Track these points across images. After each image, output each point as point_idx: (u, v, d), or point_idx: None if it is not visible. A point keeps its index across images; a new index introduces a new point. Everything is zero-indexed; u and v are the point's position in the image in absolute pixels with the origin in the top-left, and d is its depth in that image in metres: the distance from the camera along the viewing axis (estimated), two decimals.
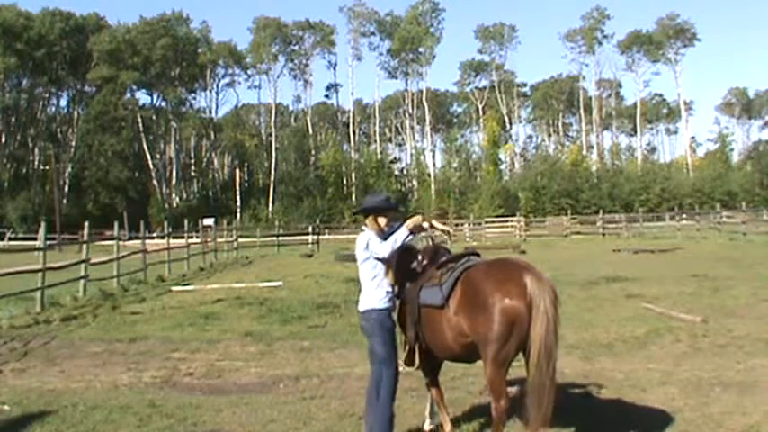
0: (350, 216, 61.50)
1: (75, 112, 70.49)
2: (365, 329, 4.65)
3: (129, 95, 69.86)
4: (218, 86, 75.65)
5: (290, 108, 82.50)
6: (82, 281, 13.57)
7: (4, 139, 66.55)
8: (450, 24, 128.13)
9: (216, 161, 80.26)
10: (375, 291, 4.51)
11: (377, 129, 77.94)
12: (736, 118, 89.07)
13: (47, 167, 63.14)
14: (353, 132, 77.43)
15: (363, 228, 4.69)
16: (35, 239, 17.52)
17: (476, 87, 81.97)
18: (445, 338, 4.28)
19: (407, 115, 77.80)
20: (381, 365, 4.49)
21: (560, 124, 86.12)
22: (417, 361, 4.75)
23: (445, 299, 4.25)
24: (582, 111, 77.70)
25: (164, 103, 70.99)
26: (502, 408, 4.03)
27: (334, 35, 73.68)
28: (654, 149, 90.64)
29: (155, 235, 33.11)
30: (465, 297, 4.15)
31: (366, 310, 4.55)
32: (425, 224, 4.53)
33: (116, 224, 17.83)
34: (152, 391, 6.13)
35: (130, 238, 26.59)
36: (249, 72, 76.23)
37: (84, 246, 14.63)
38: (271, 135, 72.62)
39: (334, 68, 75.86)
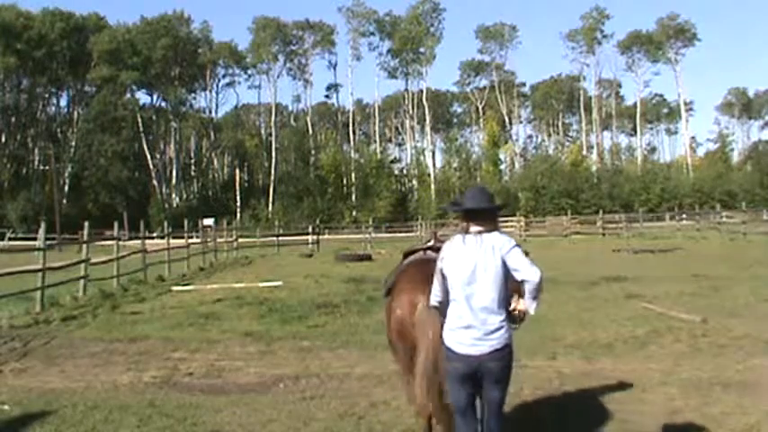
0: (349, 216, 61.58)
1: (75, 112, 70.50)
2: (493, 373, 3.37)
3: (129, 95, 69.91)
4: (218, 86, 75.82)
5: (290, 108, 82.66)
6: (82, 281, 13.55)
7: (4, 139, 66.57)
8: (450, 24, 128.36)
9: (216, 161, 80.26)
10: (504, 317, 3.44)
11: (377, 129, 77.94)
12: (736, 118, 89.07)
13: (47, 167, 63.13)
14: (353, 132, 77.42)
15: (457, 234, 3.57)
16: (35, 239, 17.48)
17: (476, 87, 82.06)
18: None
19: (407, 115, 77.80)
20: (494, 418, 3.47)
21: (560, 124, 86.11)
22: None
23: (384, 293, 4.44)
24: (582, 111, 77.70)
25: (164, 103, 71.10)
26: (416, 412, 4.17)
27: (334, 35, 73.80)
28: (654, 149, 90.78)
29: (155, 235, 33.09)
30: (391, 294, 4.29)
31: (504, 346, 3.37)
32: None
33: (116, 224, 17.82)
34: (152, 391, 6.12)
35: (130, 238, 26.58)
36: (249, 72, 76.38)
37: (84, 246, 14.62)
38: (271, 135, 72.64)
39: (335, 68, 75.99)
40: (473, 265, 3.40)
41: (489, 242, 3.43)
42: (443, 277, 3.52)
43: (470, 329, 3.36)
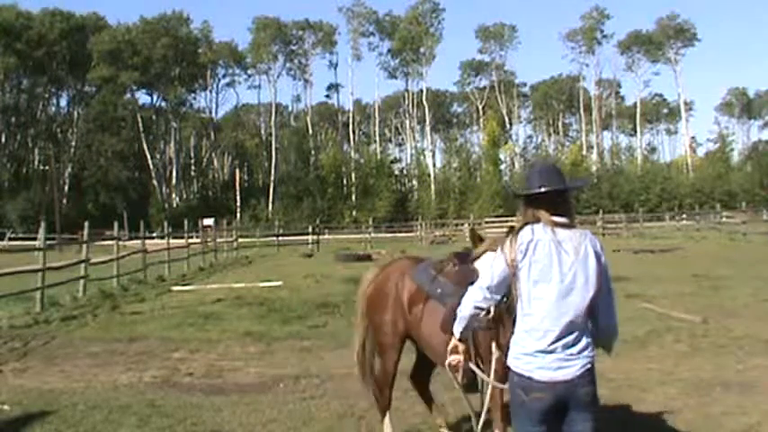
0: (349, 216, 61.56)
1: (75, 112, 70.46)
2: (580, 402, 2.66)
3: (129, 95, 69.90)
4: (218, 86, 75.79)
5: (290, 108, 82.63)
6: (82, 281, 13.56)
7: (4, 139, 66.54)
8: (450, 24, 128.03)
9: (216, 161, 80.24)
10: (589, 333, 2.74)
11: (377, 129, 77.91)
12: (736, 118, 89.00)
13: (47, 167, 63.11)
14: (353, 132, 77.42)
15: (527, 225, 2.78)
16: (35, 239, 17.49)
17: (476, 87, 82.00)
18: None
19: (407, 115, 77.79)
20: None
21: (560, 124, 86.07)
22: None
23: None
24: (582, 111, 77.68)
25: (164, 103, 71.00)
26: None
27: (334, 35, 73.75)
28: (654, 149, 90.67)
29: (155, 235, 33.09)
30: None
31: (586, 371, 2.66)
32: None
33: (116, 224, 17.85)
34: (152, 391, 6.12)
35: (130, 238, 26.59)
36: (249, 72, 76.34)
37: (84, 246, 14.63)
38: (271, 135, 72.62)
39: (335, 68, 75.98)
40: (573, 269, 2.67)
41: (584, 235, 2.77)
42: (509, 275, 2.75)
43: (555, 349, 2.64)
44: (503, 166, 73.44)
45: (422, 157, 73.73)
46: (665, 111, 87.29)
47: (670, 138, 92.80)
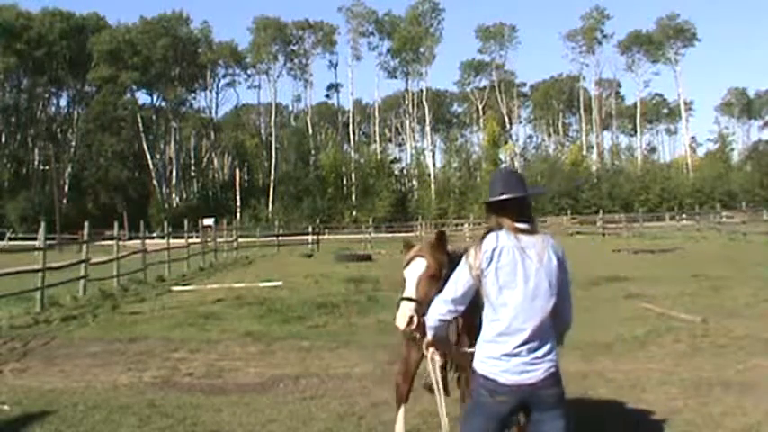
0: (349, 216, 61.60)
1: (75, 112, 70.52)
2: (544, 403, 2.72)
3: (129, 95, 69.92)
4: (218, 86, 75.85)
5: (290, 108, 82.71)
6: (82, 281, 13.56)
7: (4, 139, 66.59)
8: (450, 24, 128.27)
9: (216, 161, 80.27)
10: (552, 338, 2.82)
11: (377, 129, 77.94)
12: (736, 118, 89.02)
13: (47, 167, 63.11)
14: (353, 132, 77.44)
15: (492, 230, 2.80)
16: (35, 239, 17.47)
17: (476, 87, 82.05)
18: None
19: (407, 115, 77.83)
20: None
21: (560, 124, 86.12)
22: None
23: None
24: (582, 111, 77.71)
25: (164, 103, 71.06)
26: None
27: (334, 35, 73.77)
28: (654, 149, 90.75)
29: (155, 235, 33.10)
30: None
31: (550, 374, 2.72)
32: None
33: (116, 224, 17.83)
34: (152, 391, 6.11)
35: (130, 238, 26.60)
36: (249, 72, 76.38)
37: (84, 246, 14.63)
38: (271, 135, 72.64)
39: (335, 68, 75.99)
40: (537, 274, 2.71)
41: (546, 241, 2.80)
42: (474, 284, 2.78)
43: (521, 353, 2.69)
44: (503, 167, 73.46)
45: (422, 157, 73.80)
46: (665, 111, 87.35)
47: (670, 138, 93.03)
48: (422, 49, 71.48)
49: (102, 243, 21.72)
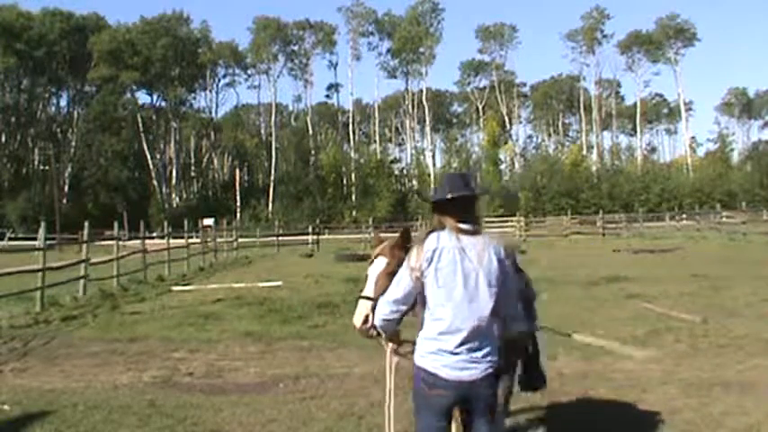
0: (349, 216, 61.58)
1: (75, 112, 70.53)
2: (482, 403, 2.82)
3: (129, 95, 69.94)
4: (218, 86, 75.83)
5: (290, 108, 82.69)
6: (82, 281, 13.56)
7: (4, 139, 66.59)
8: (450, 24, 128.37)
9: (216, 161, 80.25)
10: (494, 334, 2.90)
11: (377, 129, 77.94)
12: (736, 118, 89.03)
13: (47, 167, 63.12)
14: (353, 132, 77.43)
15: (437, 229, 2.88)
16: (35, 239, 17.49)
17: (476, 87, 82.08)
18: None
19: (407, 115, 77.84)
20: None
21: (560, 124, 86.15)
22: None
23: None
24: (582, 111, 77.71)
25: (164, 103, 71.09)
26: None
27: (334, 35, 73.77)
28: (654, 149, 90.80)
29: (155, 235, 33.08)
30: None
31: (487, 375, 2.81)
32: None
33: (116, 224, 17.84)
34: (152, 391, 6.11)
35: (130, 238, 26.57)
36: (249, 72, 76.37)
37: (84, 246, 14.63)
38: (271, 135, 72.64)
39: (335, 68, 75.99)
40: (476, 275, 2.76)
41: (487, 242, 2.84)
42: (415, 285, 2.81)
43: (461, 352, 2.74)
44: (503, 166, 73.55)
45: (422, 157, 73.76)
46: (665, 111, 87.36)
47: (670, 138, 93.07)
48: (422, 49, 71.46)
49: (102, 243, 21.73)
